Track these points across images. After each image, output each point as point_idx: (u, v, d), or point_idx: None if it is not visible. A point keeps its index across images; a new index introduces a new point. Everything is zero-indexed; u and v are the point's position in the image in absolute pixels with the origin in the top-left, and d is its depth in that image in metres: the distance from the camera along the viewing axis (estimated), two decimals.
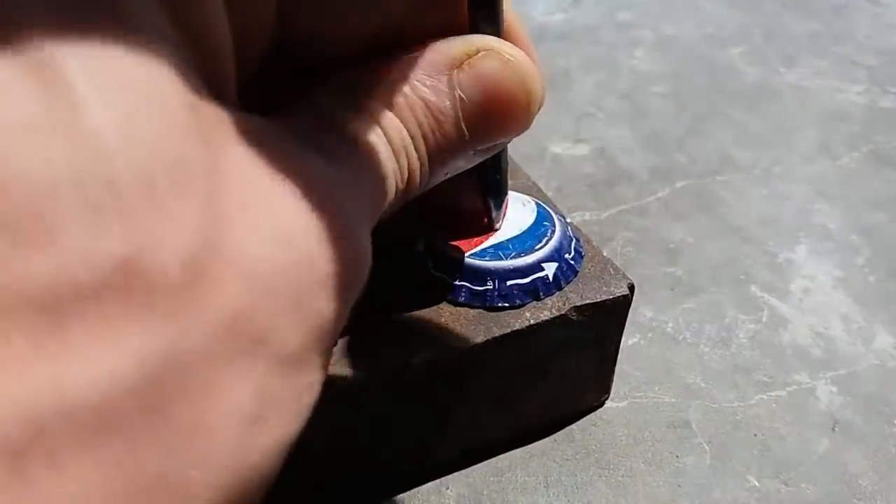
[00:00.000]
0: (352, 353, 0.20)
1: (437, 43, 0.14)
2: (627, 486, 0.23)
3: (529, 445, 0.24)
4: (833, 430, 0.25)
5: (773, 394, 0.26)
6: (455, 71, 0.14)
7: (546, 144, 0.41)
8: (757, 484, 0.23)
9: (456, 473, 0.23)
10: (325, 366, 0.12)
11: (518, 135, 0.16)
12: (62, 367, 0.08)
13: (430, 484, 0.23)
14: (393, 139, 0.13)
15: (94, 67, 0.08)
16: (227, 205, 0.10)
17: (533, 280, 0.21)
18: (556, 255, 0.22)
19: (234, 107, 0.11)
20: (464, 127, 0.14)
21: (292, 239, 0.10)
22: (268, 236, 0.10)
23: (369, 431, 0.21)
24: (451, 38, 0.14)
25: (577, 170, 0.39)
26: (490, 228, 0.22)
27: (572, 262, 0.22)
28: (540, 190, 0.26)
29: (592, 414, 0.26)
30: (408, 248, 0.23)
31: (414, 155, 0.14)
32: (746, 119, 0.44)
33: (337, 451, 0.21)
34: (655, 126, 0.43)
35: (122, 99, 0.08)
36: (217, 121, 0.10)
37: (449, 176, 0.16)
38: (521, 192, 0.25)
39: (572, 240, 0.23)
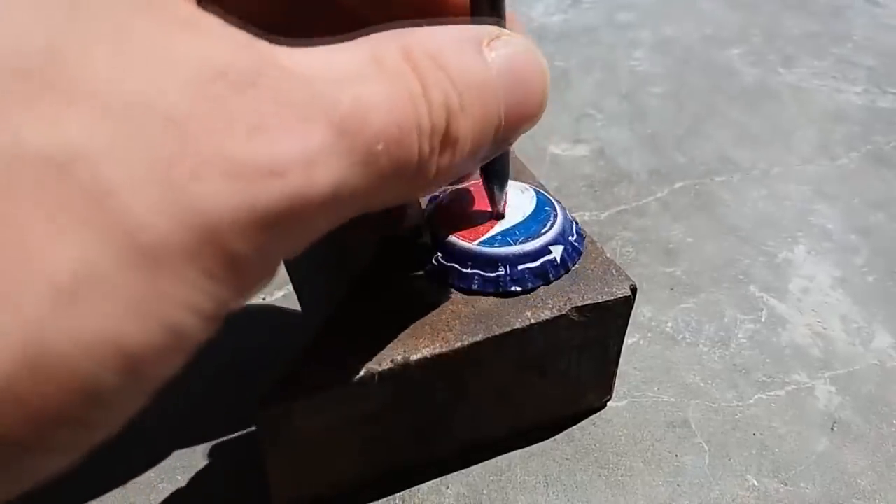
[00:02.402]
0: (352, 352, 0.20)
1: (460, 26, 0.14)
2: (627, 486, 0.23)
3: (529, 445, 0.24)
4: (832, 429, 0.25)
5: (771, 393, 0.27)
6: (485, 48, 0.14)
7: (545, 145, 0.41)
8: (756, 483, 0.23)
9: (456, 472, 0.23)
10: (216, 299, 0.09)
11: (534, 124, 0.16)
12: None
13: (429, 483, 0.23)
14: (431, 90, 0.13)
15: None
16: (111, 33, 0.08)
17: (543, 263, 0.22)
18: (561, 238, 0.22)
19: None
20: (501, 108, 0.14)
21: (187, 97, 0.09)
22: (155, 76, 0.09)
23: (369, 430, 0.21)
24: (469, 25, 0.14)
25: (576, 170, 0.39)
26: (495, 216, 0.23)
27: (576, 244, 0.23)
28: (546, 190, 0.26)
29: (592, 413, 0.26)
30: (414, 241, 0.23)
31: (458, 114, 0.13)
32: (745, 119, 0.44)
33: (337, 449, 0.21)
34: (655, 126, 0.43)
35: None
36: None
37: (474, 167, 0.15)
38: None
39: (572, 222, 0.24)
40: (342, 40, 0.12)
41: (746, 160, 0.40)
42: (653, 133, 0.43)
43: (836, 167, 0.40)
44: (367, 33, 0.13)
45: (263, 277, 0.11)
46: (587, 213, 0.36)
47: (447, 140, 0.13)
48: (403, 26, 0.13)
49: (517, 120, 0.15)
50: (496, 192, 0.22)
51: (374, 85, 0.12)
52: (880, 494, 0.23)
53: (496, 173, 0.22)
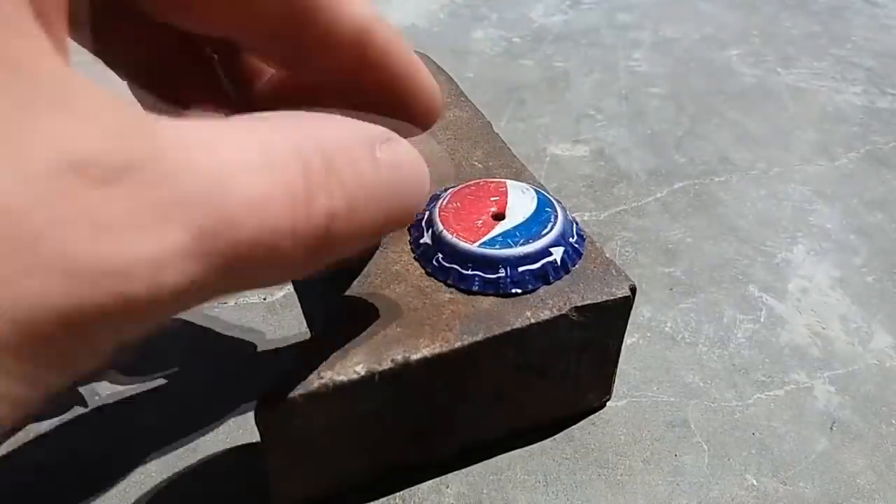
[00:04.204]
0: (352, 352, 0.20)
1: (356, 122, 0.14)
2: (626, 485, 0.23)
3: (529, 445, 0.24)
4: (831, 429, 0.25)
5: (771, 393, 0.27)
6: (377, 151, 0.14)
7: (545, 145, 0.41)
8: (755, 483, 0.23)
9: (456, 472, 0.23)
10: (34, 383, 0.09)
11: (399, 229, 0.15)
12: None
13: (429, 482, 0.23)
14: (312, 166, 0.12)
15: None
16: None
17: (543, 265, 0.22)
18: (561, 240, 0.22)
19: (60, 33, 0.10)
20: (377, 205, 0.14)
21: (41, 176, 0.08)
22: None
23: (369, 430, 0.21)
24: (363, 123, 0.14)
25: (575, 170, 0.39)
26: (495, 216, 0.22)
27: (577, 246, 0.23)
28: (546, 191, 0.26)
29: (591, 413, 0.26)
30: (415, 242, 0.23)
31: (340, 196, 0.13)
32: (745, 120, 0.44)
33: (337, 449, 0.21)
34: (654, 127, 0.43)
35: None
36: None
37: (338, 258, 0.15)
38: None
39: (573, 224, 0.24)
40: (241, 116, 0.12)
41: (746, 160, 0.40)
42: (652, 133, 0.43)
43: (835, 167, 0.40)
44: (264, 115, 0.12)
45: (96, 363, 0.10)
46: (587, 214, 0.36)
47: (323, 244, 0.13)
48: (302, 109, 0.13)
49: (394, 222, 0.15)
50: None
51: (255, 184, 0.11)
52: (879, 494, 0.23)
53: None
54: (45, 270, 0.09)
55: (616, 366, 0.25)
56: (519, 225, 0.23)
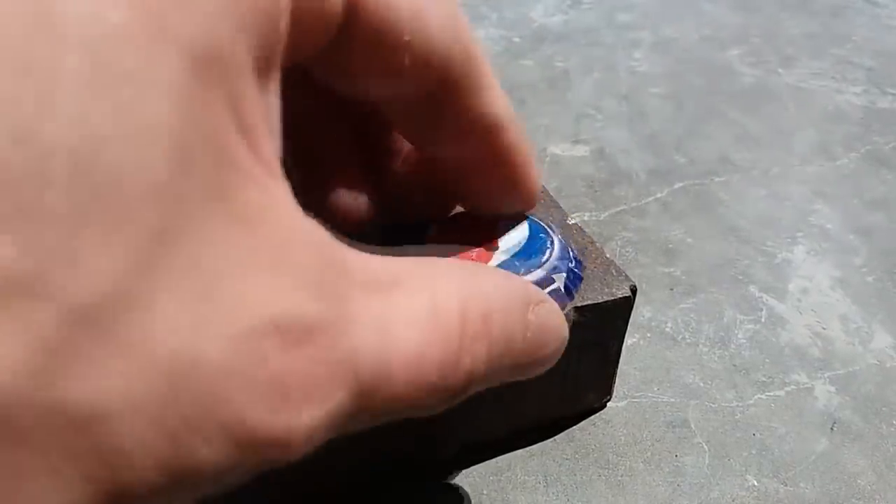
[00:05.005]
0: None
1: (516, 279, 0.15)
2: (626, 486, 0.23)
3: (529, 445, 0.24)
4: (831, 429, 0.25)
5: (771, 393, 0.27)
6: (530, 312, 0.14)
7: (545, 145, 0.41)
8: (756, 483, 0.23)
9: (456, 472, 0.23)
10: None
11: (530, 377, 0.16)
12: None
13: (429, 482, 0.23)
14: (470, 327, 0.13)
15: None
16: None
17: (548, 293, 0.21)
18: (562, 266, 0.22)
19: (271, 97, 0.10)
20: (517, 362, 0.14)
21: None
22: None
23: (369, 429, 0.21)
24: (522, 280, 0.15)
25: (576, 170, 0.39)
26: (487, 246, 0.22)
27: (577, 270, 0.22)
28: (546, 191, 0.26)
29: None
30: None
31: (482, 354, 0.13)
32: (745, 120, 0.44)
33: (337, 449, 0.21)
34: (654, 127, 0.43)
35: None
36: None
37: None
38: None
39: (568, 248, 0.23)
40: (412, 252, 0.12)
41: (746, 161, 0.40)
42: (652, 133, 0.43)
43: (835, 168, 0.40)
44: (440, 262, 0.13)
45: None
46: (587, 214, 0.36)
47: (456, 394, 0.13)
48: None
49: (524, 374, 0.15)
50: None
51: (417, 339, 0.11)
52: (880, 494, 0.23)
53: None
54: (223, 440, 0.09)
55: (616, 366, 0.25)
56: (516, 254, 0.22)
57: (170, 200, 0.08)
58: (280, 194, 0.10)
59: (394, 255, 0.12)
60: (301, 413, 0.09)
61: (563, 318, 0.16)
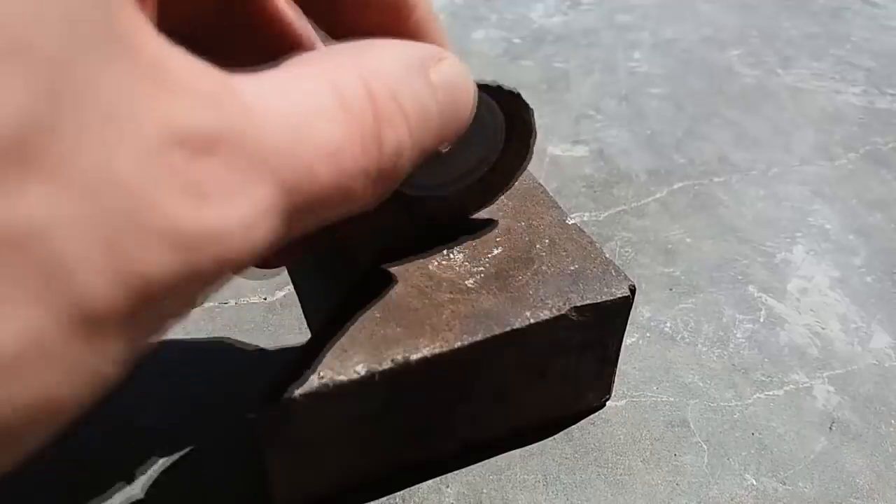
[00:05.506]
0: (352, 352, 0.20)
1: (407, 44, 0.15)
2: (626, 485, 0.23)
3: (529, 444, 0.24)
4: (830, 429, 0.25)
5: (770, 393, 0.27)
6: (431, 72, 0.14)
7: (545, 146, 0.41)
8: (754, 482, 0.23)
9: (456, 472, 0.23)
10: (140, 347, 0.10)
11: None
12: None
13: (430, 482, 0.23)
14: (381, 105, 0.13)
15: None
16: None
17: None
18: None
19: None
20: (436, 128, 0.15)
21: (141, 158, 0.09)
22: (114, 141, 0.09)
23: (369, 429, 0.21)
24: (413, 42, 0.15)
25: (575, 171, 0.39)
26: None
27: None
28: (545, 191, 0.26)
29: (591, 413, 0.26)
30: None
31: (405, 133, 0.14)
32: (744, 120, 0.44)
33: (337, 449, 0.21)
34: (654, 127, 0.43)
35: None
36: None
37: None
38: (527, 193, 0.25)
39: None
40: (301, 60, 0.13)
41: (745, 161, 0.40)
42: (652, 134, 0.43)
43: (834, 168, 0.40)
44: (331, 50, 0.13)
45: (181, 319, 0.11)
46: (586, 214, 0.36)
47: (391, 177, 0.13)
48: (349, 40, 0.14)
49: (447, 137, 0.15)
50: None
51: (331, 130, 0.12)
52: (878, 493, 0.23)
53: None
54: (157, 242, 0.09)
55: (616, 366, 0.25)
56: None
57: (64, 31, 0.08)
58: (161, 37, 0.10)
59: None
60: (224, 209, 0.10)
61: (465, 68, 0.16)
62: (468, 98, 0.16)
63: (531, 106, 0.21)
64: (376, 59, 0.13)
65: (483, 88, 0.19)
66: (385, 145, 0.13)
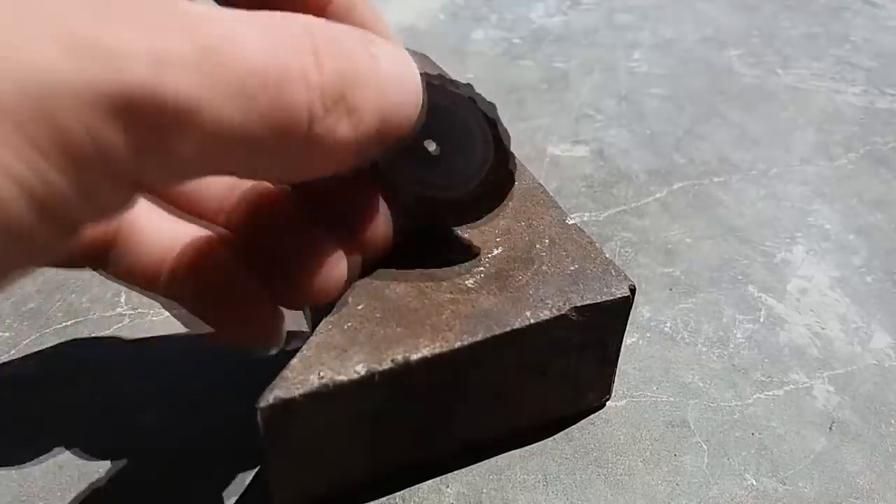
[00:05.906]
0: (352, 351, 0.20)
1: (343, 25, 0.15)
2: (626, 485, 0.23)
3: (529, 444, 0.24)
4: (830, 429, 0.25)
5: (770, 393, 0.27)
6: (371, 47, 0.14)
7: (545, 146, 0.41)
8: (754, 482, 0.23)
9: (456, 472, 0.23)
10: (43, 178, 0.09)
11: (408, 129, 0.16)
12: None
13: (429, 482, 0.23)
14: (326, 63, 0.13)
15: None
16: None
17: None
18: None
19: None
20: (381, 95, 0.14)
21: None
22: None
23: (369, 430, 0.21)
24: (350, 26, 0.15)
25: (575, 171, 0.39)
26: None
27: None
28: (545, 191, 0.26)
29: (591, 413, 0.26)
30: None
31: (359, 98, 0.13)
32: (744, 120, 0.44)
33: (337, 449, 0.21)
34: (654, 127, 0.43)
35: None
36: None
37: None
38: (527, 193, 0.25)
39: None
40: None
41: (745, 161, 0.40)
42: (652, 134, 0.43)
43: (834, 168, 0.40)
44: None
45: (107, 183, 0.11)
46: (586, 214, 0.36)
47: (345, 106, 0.13)
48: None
49: (401, 115, 0.15)
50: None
51: (260, 28, 0.12)
52: (878, 494, 0.23)
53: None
54: (48, 42, 0.09)
55: (616, 366, 0.25)
56: None
57: None
58: None
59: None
60: (133, 38, 0.10)
61: (407, 55, 0.15)
62: (412, 80, 0.15)
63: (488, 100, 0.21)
64: (320, 20, 0.13)
65: (442, 89, 0.19)
66: (326, 65, 0.12)
